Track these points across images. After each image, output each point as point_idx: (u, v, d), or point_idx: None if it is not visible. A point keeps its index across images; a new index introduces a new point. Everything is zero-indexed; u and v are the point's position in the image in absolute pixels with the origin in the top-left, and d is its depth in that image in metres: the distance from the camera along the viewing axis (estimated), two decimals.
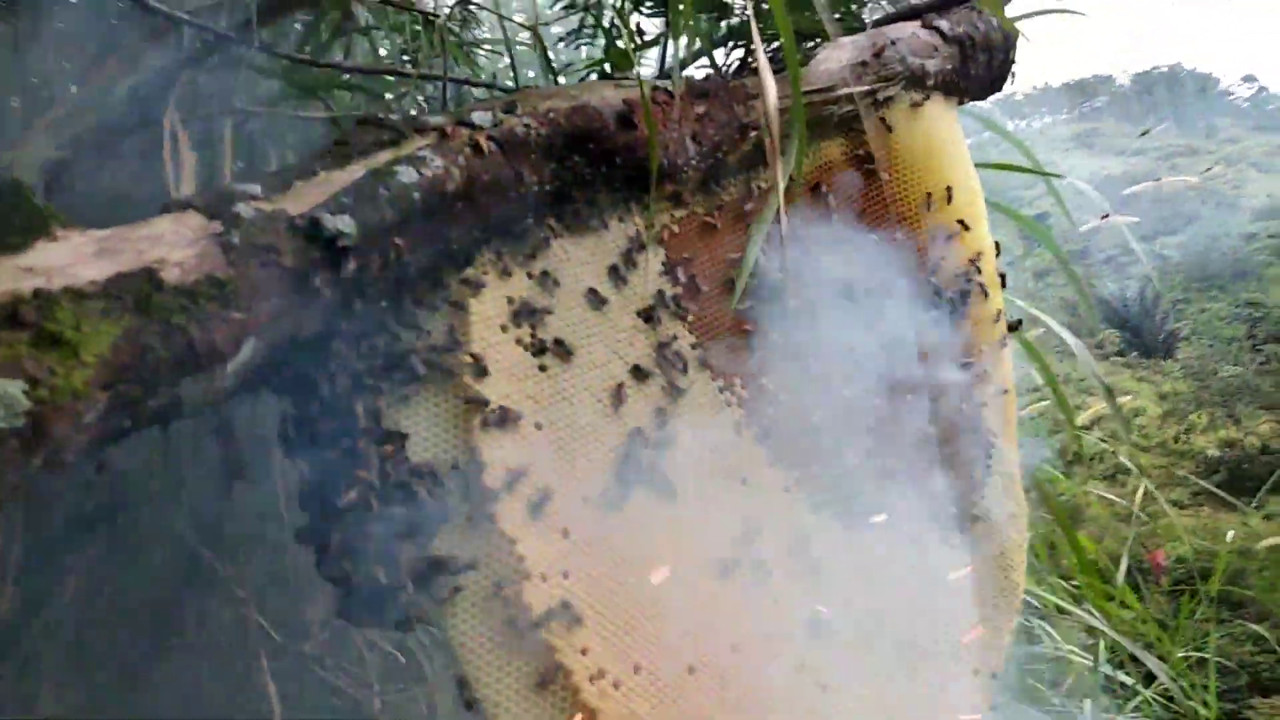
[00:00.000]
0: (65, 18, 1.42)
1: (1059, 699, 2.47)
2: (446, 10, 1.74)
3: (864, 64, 1.51)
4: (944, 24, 1.64)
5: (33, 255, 0.73)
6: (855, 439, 1.38)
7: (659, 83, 1.32)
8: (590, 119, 1.19)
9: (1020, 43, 1.75)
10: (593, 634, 1.04)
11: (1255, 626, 4.29)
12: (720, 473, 1.24)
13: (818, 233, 1.42)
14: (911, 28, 1.61)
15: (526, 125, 1.14)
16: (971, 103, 1.76)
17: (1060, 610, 2.53)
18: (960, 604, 1.39)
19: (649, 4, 1.67)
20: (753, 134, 1.36)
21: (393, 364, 1.02)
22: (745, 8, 1.54)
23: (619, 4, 1.63)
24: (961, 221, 1.57)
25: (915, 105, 1.56)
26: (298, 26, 1.52)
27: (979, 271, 1.59)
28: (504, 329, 1.11)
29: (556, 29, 2.05)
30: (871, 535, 1.34)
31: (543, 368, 1.13)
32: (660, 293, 1.28)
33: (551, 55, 1.80)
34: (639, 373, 1.22)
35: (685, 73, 1.43)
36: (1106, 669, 2.50)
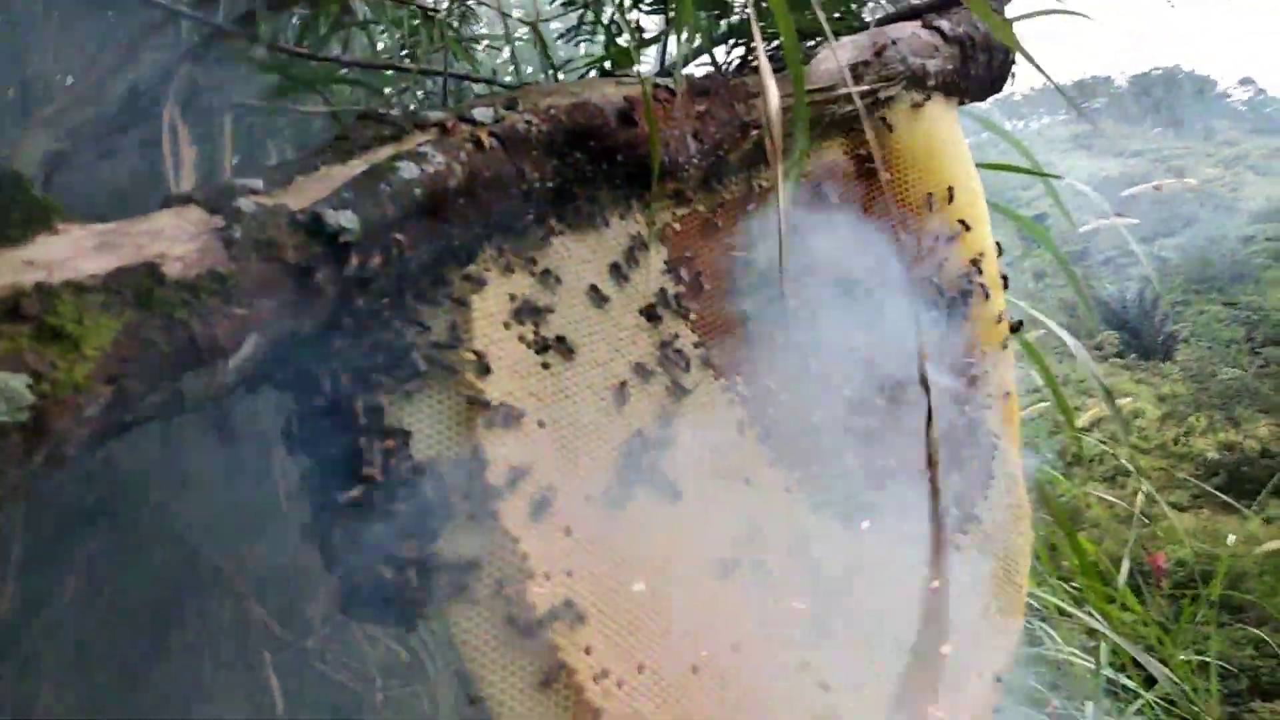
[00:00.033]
0: (63, 9, 1.42)
1: (1060, 701, 2.46)
2: (445, 5, 1.73)
3: (865, 63, 1.50)
4: (945, 24, 1.64)
5: (33, 248, 0.73)
6: (857, 439, 1.38)
7: (660, 80, 1.32)
8: (591, 116, 1.19)
9: (1020, 42, 1.75)
10: (596, 633, 1.04)
11: (1256, 630, 4.29)
12: (723, 472, 1.24)
13: (819, 232, 1.42)
14: (912, 28, 1.61)
15: (528, 122, 1.13)
16: (971, 103, 1.76)
17: (1061, 612, 2.53)
18: (963, 606, 1.39)
19: (648, 1, 1.67)
20: (754, 132, 1.36)
21: (395, 361, 1.02)
22: (745, 6, 1.54)
23: (619, 0, 1.62)
24: (963, 222, 1.58)
25: (916, 106, 1.56)
26: (295, 20, 1.51)
27: (980, 272, 1.59)
28: (506, 326, 1.10)
29: (556, 25, 2.05)
30: (873, 536, 1.34)
31: (545, 365, 1.13)
32: (662, 291, 1.27)
33: (550, 52, 1.80)
34: (641, 371, 1.22)
35: (685, 70, 1.43)
36: (1108, 672, 2.49)
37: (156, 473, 1.39)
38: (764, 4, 1.33)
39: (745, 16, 1.54)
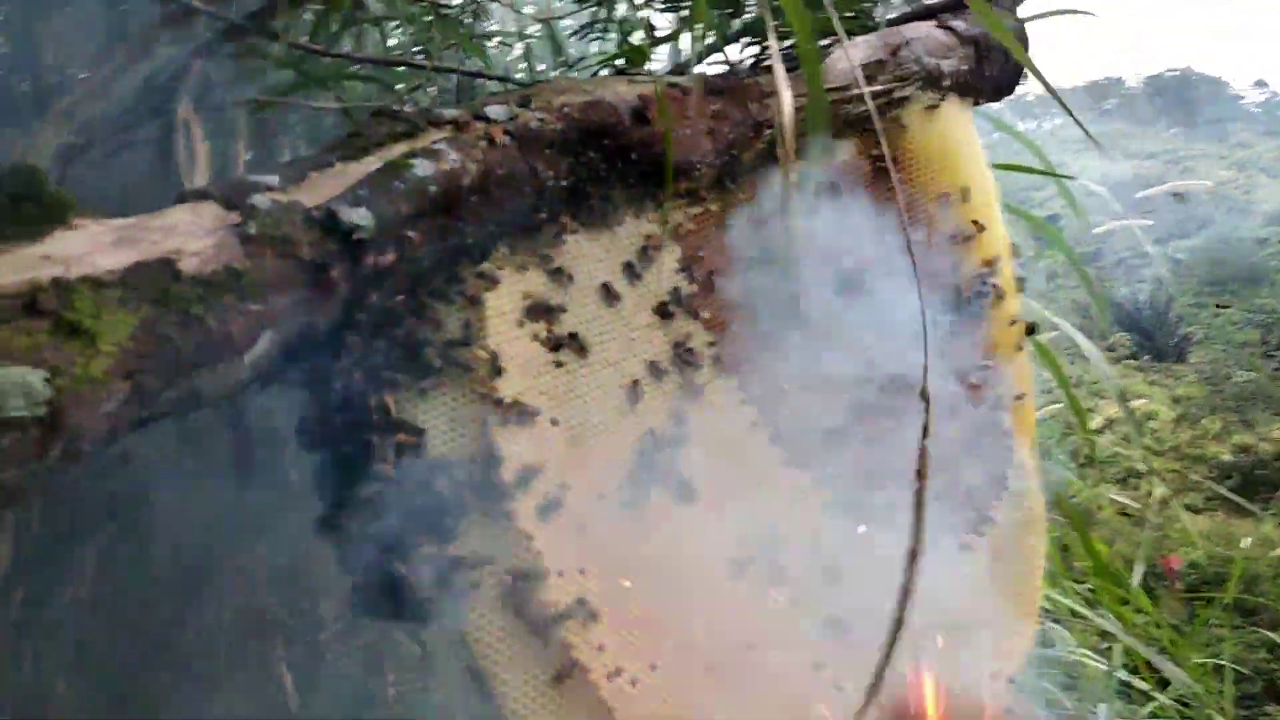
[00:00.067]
0: (78, 3, 1.42)
1: (1073, 703, 2.45)
2: (458, 1, 1.73)
3: (880, 63, 1.50)
4: (959, 24, 1.63)
5: (50, 244, 0.73)
6: (870, 441, 1.37)
7: (674, 79, 1.31)
8: (605, 114, 1.19)
9: (1032, 43, 1.74)
10: (609, 631, 1.04)
11: (1270, 634, 4.26)
12: (736, 472, 1.24)
13: (832, 232, 1.41)
14: (926, 27, 1.60)
15: (542, 119, 1.13)
16: (984, 104, 1.75)
17: (1074, 614, 2.52)
18: (977, 607, 1.38)
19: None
20: (768, 132, 1.36)
21: (408, 358, 1.02)
22: (758, 4, 1.53)
23: None
24: (978, 223, 1.56)
25: (931, 106, 1.55)
26: (308, 16, 1.51)
27: (996, 274, 1.58)
28: (520, 324, 1.10)
29: (568, 22, 2.05)
30: (887, 537, 1.33)
31: (558, 364, 1.12)
32: (675, 290, 1.27)
33: (563, 49, 1.80)
34: (654, 370, 1.22)
35: (697, 69, 1.43)
36: (1121, 674, 2.48)
37: (170, 468, 1.39)
38: (777, 2, 1.32)
39: (759, 15, 1.54)
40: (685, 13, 1.55)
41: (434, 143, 1.03)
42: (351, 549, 0.96)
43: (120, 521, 1.39)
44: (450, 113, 1.09)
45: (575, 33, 1.87)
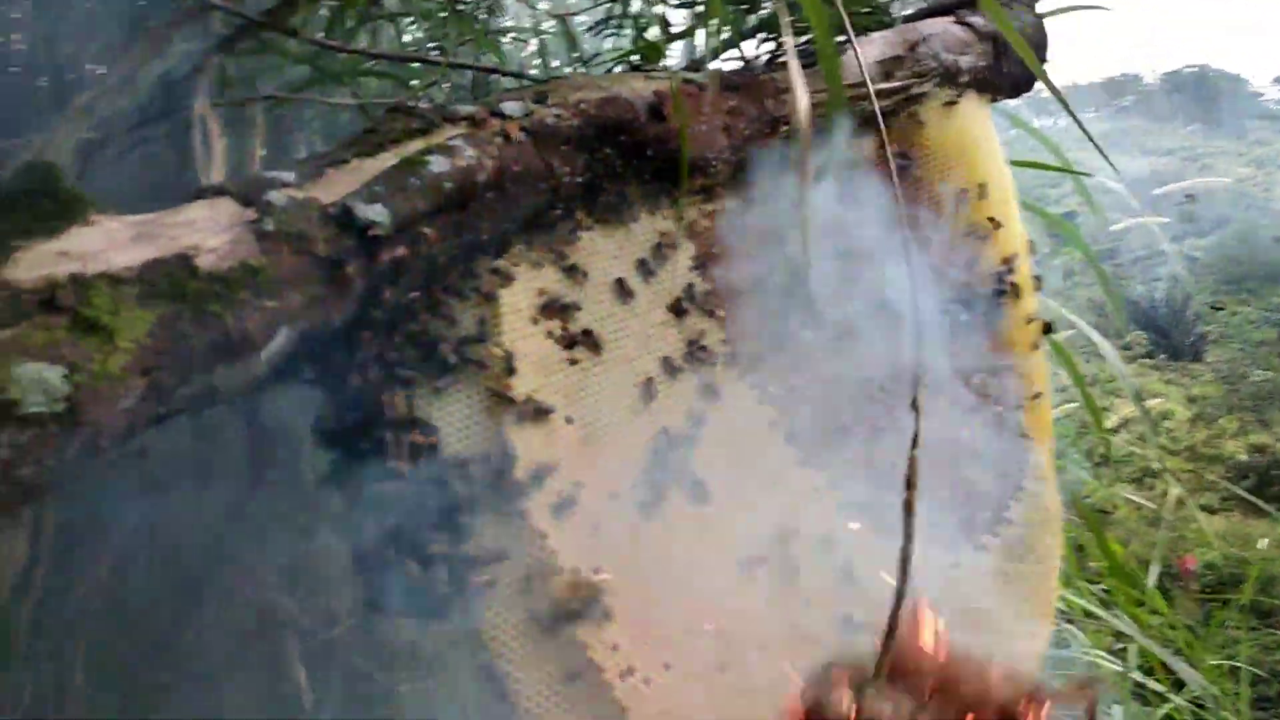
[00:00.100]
0: (96, 0, 1.43)
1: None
2: None
3: (898, 59, 1.49)
4: (977, 20, 1.61)
5: (68, 240, 0.73)
6: (885, 440, 1.36)
7: (689, 75, 1.30)
8: (621, 110, 1.18)
9: (1051, 40, 1.73)
10: (623, 630, 1.03)
11: None
12: (750, 471, 1.23)
13: (848, 230, 1.40)
14: (944, 23, 1.59)
15: (558, 116, 1.13)
16: (1002, 100, 1.73)
17: (1089, 614, 2.50)
18: (993, 608, 1.37)
19: None
20: (783, 128, 1.35)
21: (423, 355, 1.02)
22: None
23: None
24: (995, 220, 1.55)
25: (949, 103, 1.54)
26: (324, 12, 1.51)
27: (1013, 271, 1.56)
28: (534, 321, 1.10)
29: (583, 18, 2.04)
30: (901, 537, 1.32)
31: (573, 361, 1.12)
32: (690, 287, 1.26)
33: (578, 45, 1.79)
34: (668, 367, 1.21)
35: (712, 65, 1.42)
36: (1136, 675, 2.46)
37: (184, 464, 1.40)
38: None
39: (774, 10, 1.53)
40: (700, 8, 1.54)
41: (450, 139, 1.03)
42: (365, 546, 0.96)
43: (136, 518, 1.40)
44: (466, 109, 1.09)
45: (590, 29, 1.86)
